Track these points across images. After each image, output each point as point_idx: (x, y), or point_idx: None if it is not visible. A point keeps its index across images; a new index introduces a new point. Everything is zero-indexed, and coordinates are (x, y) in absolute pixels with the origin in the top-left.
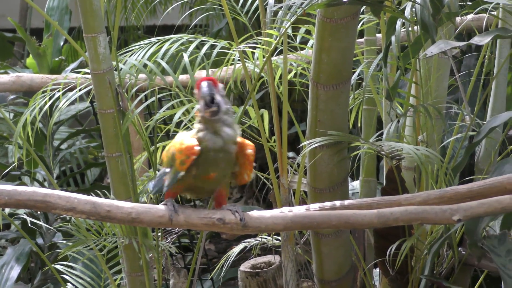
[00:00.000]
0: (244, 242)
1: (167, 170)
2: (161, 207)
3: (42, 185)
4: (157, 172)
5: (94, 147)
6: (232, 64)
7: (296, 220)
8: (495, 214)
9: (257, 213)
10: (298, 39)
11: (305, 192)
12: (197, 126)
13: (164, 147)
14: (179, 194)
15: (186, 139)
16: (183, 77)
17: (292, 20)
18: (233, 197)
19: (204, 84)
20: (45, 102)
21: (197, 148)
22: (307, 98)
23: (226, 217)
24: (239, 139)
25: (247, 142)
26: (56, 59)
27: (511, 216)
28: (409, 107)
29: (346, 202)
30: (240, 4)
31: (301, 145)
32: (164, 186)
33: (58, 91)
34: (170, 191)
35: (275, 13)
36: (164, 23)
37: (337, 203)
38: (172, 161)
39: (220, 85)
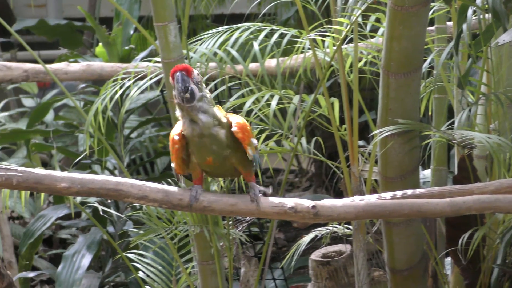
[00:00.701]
0: (314, 231)
1: None
2: (230, 196)
3: (112, 173)
4: None
5: (164, 135)
6: (302, 52)
7: (368, 209)
8: None
9: (329, 202)
10: (368, 27)
11: (376, 180)
12: (177, 114)
13: None
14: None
15: (172, 131)
16: (252, 66)
17: (363, 8)
18: (302, 186)
19: (177, 75)
20: (116, 91)
21: (176, 137)
22: (376, 86)
23: (298, 206)
24: (233, 119)
25: (235, 120)
26: (126, 48)
27: None
28: (480, 96)
29: (418, 190)
30: None
31: (371, 134)
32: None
33: (129, 79)
34: (195, 178)
35: (345, 1)
36: (232, 12)
37: (409, 191)
38: None
39: (195, 72)
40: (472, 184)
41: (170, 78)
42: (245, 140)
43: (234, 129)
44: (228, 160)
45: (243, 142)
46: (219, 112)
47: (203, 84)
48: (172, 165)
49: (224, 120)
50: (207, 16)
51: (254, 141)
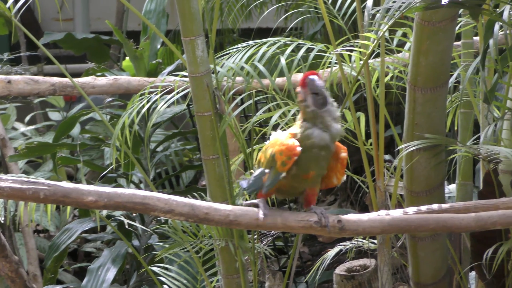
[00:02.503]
0: (339, 245)
1: (266, 171)
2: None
3: (138, 187)
4: (251, 171)
5: (189, 149)
6: (328, 67)
7: (393, 223)
8: None
9: (355, 217)
10: (395, 42)
11: (401, 195)
12: (301, 124)
13: (259, 149)
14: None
15: (286, 140)
16: (278, 80)
17: (390, 23)
18: (327, 200)
19: (313, 78)
20: (143, 105)
21: (299, 148)
22: (403, 101)
23: (323, 220)
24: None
25: (340, 144)
26: (153, 62)
27: None
28: (506, 111)
29: (444, 205)
30: (337, 7)
31: (397, 148)
32: (264, 186)
33: (156, 93)
34: (263, 193)
35: (373, 16)
36: (258, 26)
37: (435, 206)
38: (272, 162)
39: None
40: (497, 199)
41: (301, 86)
42: (344, 167)
43: (343, 154)
44: (318, 178)
45: (342, 168)
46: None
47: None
48: (276, 176)
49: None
50: (234, 30)
51: None
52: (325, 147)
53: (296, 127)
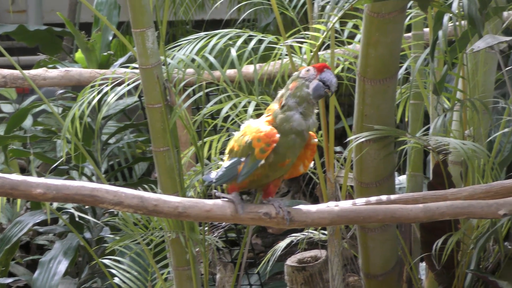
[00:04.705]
0: (290, 236)
1: (242, 159)
2: (209, 201)
3: (90, 179)
4: (205, 165)
5: (142, 141)
6: (279, 58)
7: (342, 214)
8: None
9: (304, 208)
10: (345, 34)
11: (351, 186)
12: (281, 107)
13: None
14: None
15: (264, 126)
16: (230, 72)
17: (339, 15)
18: (280, 191)
19: (330, 71)
20: (94, 97)
21: (278, 135)
22: (354, 92)
23: (272, 212)
24: None
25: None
26: (105, 53)
27: None
28: (456, 102)
29: (393, 196)
30: None
31: (348, 139)
32: (240, 175)
33: (107, 85)
34: (236, 184)
35: (323, 8)
36: (212, 18)
37: (384, 197)
38: (249, 149)
39: None
40: (446, 190)
41: (315, 66)
42: (313, 154)
43: (314, 141)
44: (288, 168)
45: (311, 156)
46: None
47: None
48: (254, 163)
49: None
50: (187, 22)
51: None
52: (301, 133)
53: (273, 112)
